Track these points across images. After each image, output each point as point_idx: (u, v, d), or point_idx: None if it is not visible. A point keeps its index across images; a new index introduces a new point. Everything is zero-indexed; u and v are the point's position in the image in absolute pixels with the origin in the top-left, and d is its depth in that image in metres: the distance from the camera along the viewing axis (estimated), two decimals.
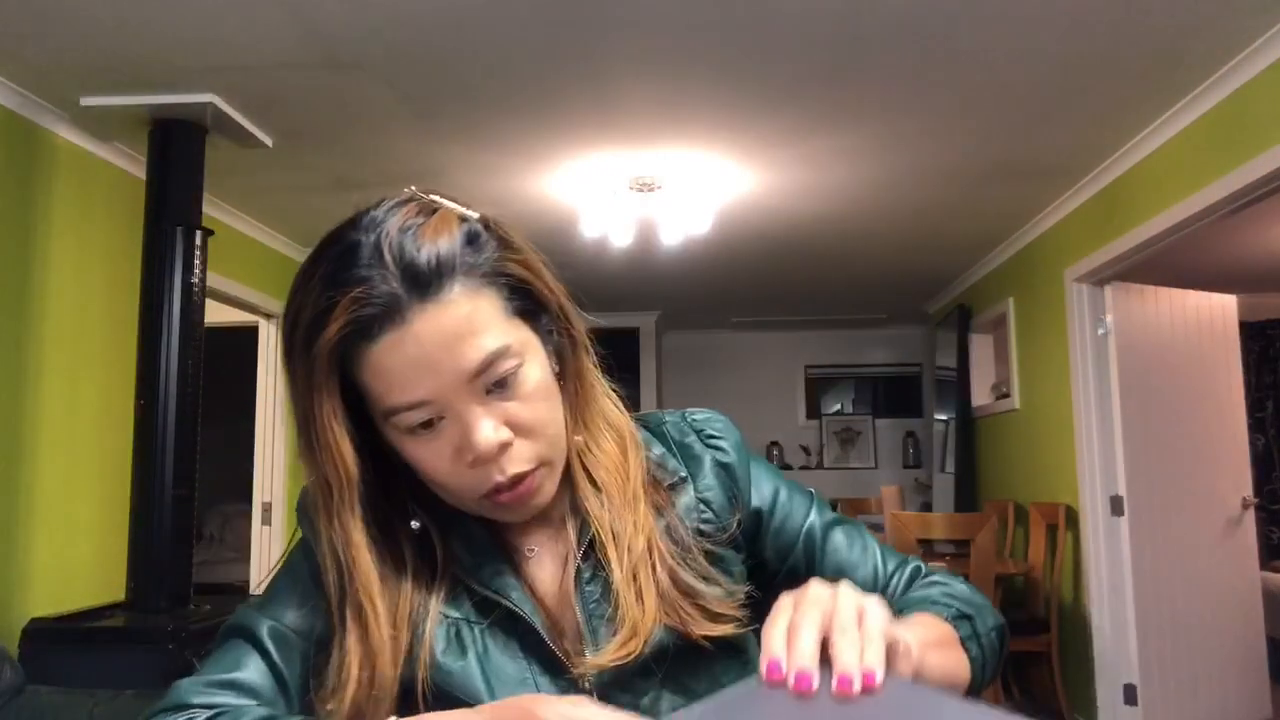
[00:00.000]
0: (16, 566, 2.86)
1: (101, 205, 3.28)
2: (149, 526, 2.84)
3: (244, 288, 4.31)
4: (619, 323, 6.85)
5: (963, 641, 0.77)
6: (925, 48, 2.72)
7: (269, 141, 3.25)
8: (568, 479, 0.80)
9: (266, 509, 4.52)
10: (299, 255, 4.86)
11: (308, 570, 0.78)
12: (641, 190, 3.84)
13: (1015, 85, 2.97)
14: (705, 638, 0.76)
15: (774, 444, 7.57)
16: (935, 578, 0.86)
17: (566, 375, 0.79)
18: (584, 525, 0.79)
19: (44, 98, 2.93)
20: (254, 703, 0.72)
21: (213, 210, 3.80)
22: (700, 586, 0.78)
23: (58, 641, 2.64)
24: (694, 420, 0.88)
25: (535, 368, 0.73)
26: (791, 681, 0.52)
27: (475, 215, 0.74)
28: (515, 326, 0.72)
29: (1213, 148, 3.05)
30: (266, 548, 4.49)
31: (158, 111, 2.97)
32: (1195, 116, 3.12)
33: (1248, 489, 4.29)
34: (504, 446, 0.71)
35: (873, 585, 0.85)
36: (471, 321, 0.69)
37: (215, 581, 6.05)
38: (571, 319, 0.79)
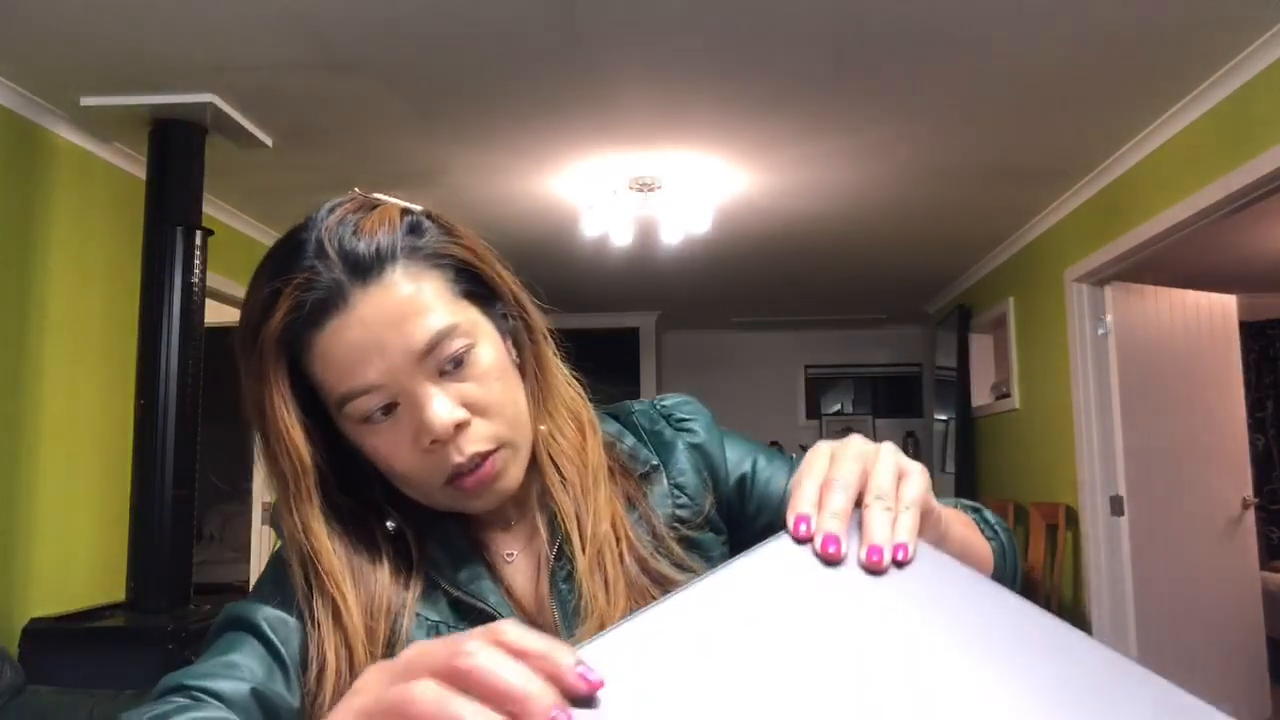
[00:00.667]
0: (16, 566, 2.86)
1: (101, 205, 3.28)
2: (149, 526, 2.84)
3: (244, 288, 4.30)
4: (619, 323, 6.85)
5: (984, 531, 0.80)
6: (926, 49, 2.72)
7: (269, 141, 3.25)
8: (536, 472, 0.79)
9: (266, 509, 4.52)
10: None
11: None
12: (641, 190, 3.84)
13: (1015, 85, 2.97)
14: None
15: (774, 444, 7.55)
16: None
17: (525, 363, 0.79)
18: (552, 526, 0.78)
19: (44, 98, 2.93)
20: (243, 685, 0.69)
21: (213, 210, 3.80)
22: (675, 575, 0.77)
23: (58, 641, 2.64)
24: (663, 406, 0.87)
25: (488, 349, 0.73)
26: (819, 544, 0.49)
27: (418, 208, 0.75)
28: (463, 308, 0.72)
29: (1213, 148, 3.05)
30: (266, 548, 4.49)
31: (158, 111, 2.97)
32: (1195, 116, 3.12)
33: (1248, 489, 4.29)
34: (460, 426, 0.70)
35: None
36: (415, 301, 0.70)
37: (215, 581, 6.04)
38: (526, 306, 0.79)
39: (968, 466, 5.78)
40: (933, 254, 5.30)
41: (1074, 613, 4.31)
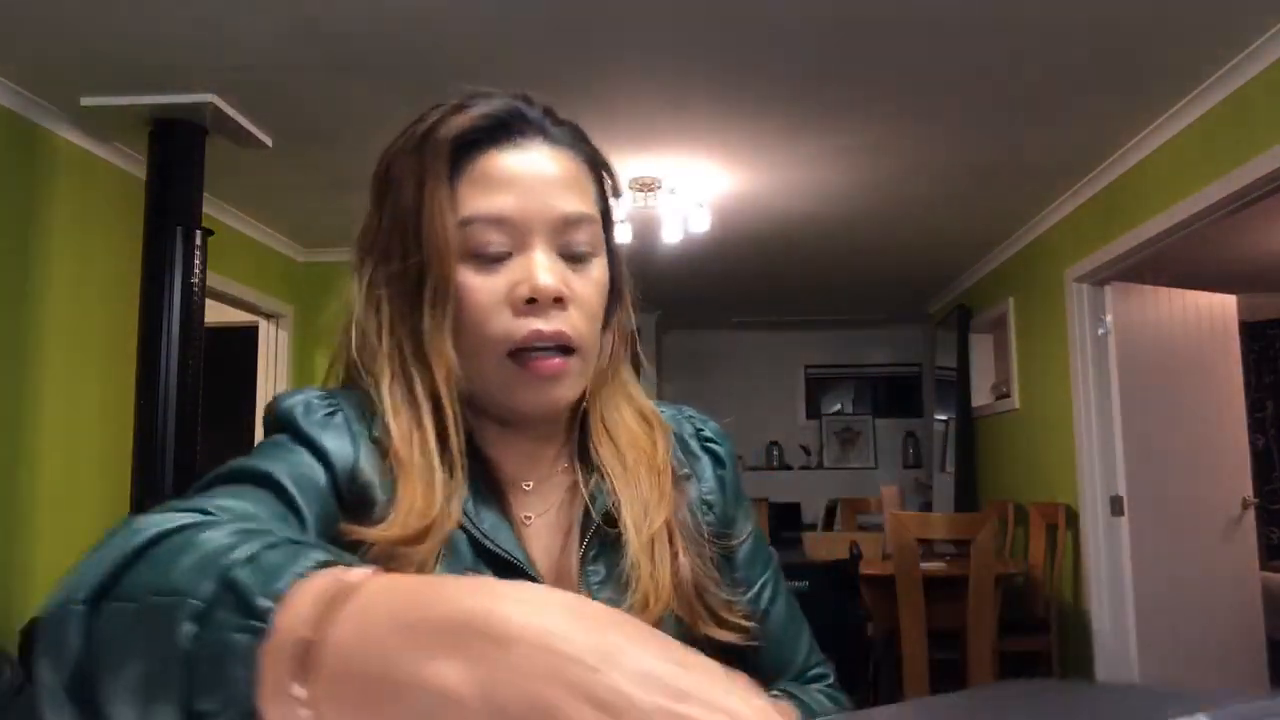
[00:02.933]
0: (16, 567, 2.86)
1: (101, 205, 3.28)
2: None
3: (244, 288, 4.31)
4: None
5: None
6: (926, 49, 2.72)
7: (269, 141, 3.25)
8: (584, 435, 0.77)
9: None
10: (299, 255, 4.86)
11: (308, 461, 0.67)
12: (641, 190, 3.84)
13: (1015, 85, 2.97)
14: (709, 639, 0.73)
15: (774, 444, 7.57)
16: (833, 694, 0.84)
17: (608, 324, 0.78)
18: (595, 499, 0.75)
19: (44, 98, 2.93)
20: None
21: (213, 210, 3.80)
22: (709, 584, 0.75)
23: None
24: (690, 417, 0.87)
25: (600, 268, 0.75)
26: None
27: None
28: (598, 223, 0.75)
29: (1213, 148, 3.05)
30: None
31: (158, 111, 2.97)
32: (1195, 117, 3.12)
33: (1248, 489, 4.29)
34: (559, 300, 0.70)
35: (795, 667, 0.85)
36: (578, 182, 0.73)
37: None
38: (623, 276, 0.81)
39: (968, 467, 5.78)
40: (933, 254, 5.30)
41: (1074, 613, 4.31)
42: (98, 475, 3.19)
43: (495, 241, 0.70)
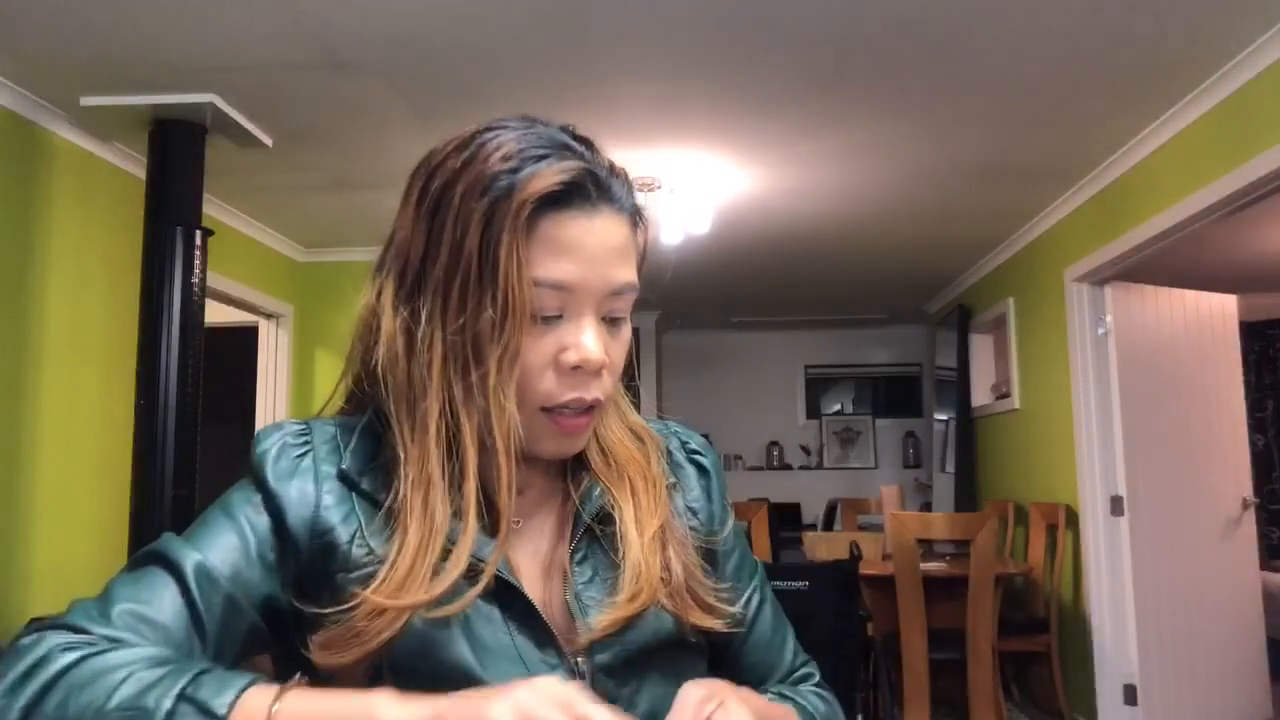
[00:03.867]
0: (16, 566, 2.86)
1: (101, 205, 3.28)
2: (149, 526, 2.84)
3: (244, 288, 4.31)
4: None
5: None
6: (925, 48, 2.72)
7: (269, 141, 3.25)
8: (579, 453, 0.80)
9: None
10: (299, 255, 4.86)
11: (263, 525, 0.72)
12: (641, 190, 3.84)
13: (1015, 85, 2.97)
14: (696, 629, 0.77)
15: (774, 444, 7.56)
16: (821, 693, 0.89)
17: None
18: (585, 502, 0.78)
19: (44, 98, 2.93)
20: (156, 642, 0.65)
21: (213, 210, 3.80)
22: (697, 574, 0.79)
23: None
24: (675, 430, 0.90)
25: (627, 329, 0.78)
26: None
27: None
28: (637, 290, 0.77)
29: (1213, 148, 3.05)
30: None
31: (158, 111, 2.97)
32: (1195, 116, 3.12)
33: (1248, 489, 4.29)
34: (602, 366, 0.73)
35: (782, 669, 0.89)
36: (630, 250, 0.75)
37: None
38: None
39: (967, 467, 5.78)
40: (933, 254, 5.30)
41: (1074, 613, 4.31)
42: (98, 475, 3.19)
43: (553, 306, 0.71)
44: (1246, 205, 3.03)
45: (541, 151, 0.72)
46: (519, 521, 0.78)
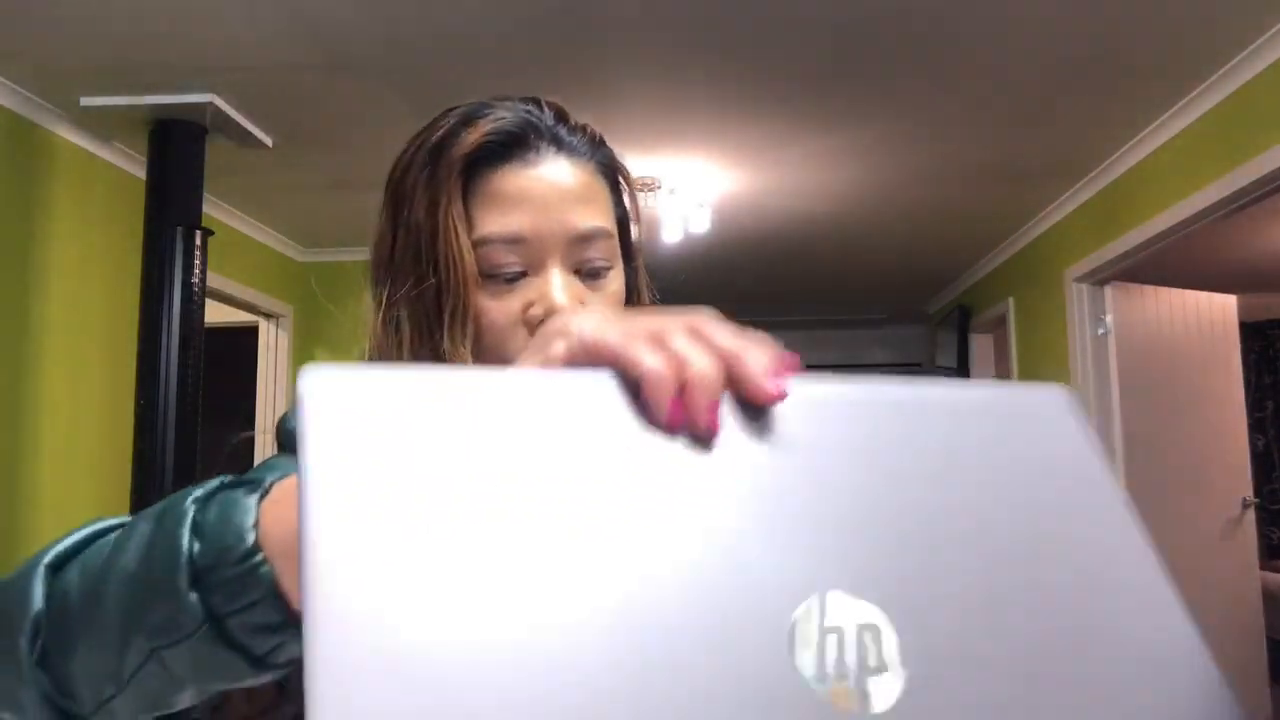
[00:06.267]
0: (16, 566, 2.86)
1: (101, 205, 3.28)
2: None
3: (244, 288, 4.31)
4: None
5: None
6: (925, 48, 2.72)
7: (269, 141, 3.25)
8: None
9: None
10: (299, 255, 4.86)
11: None
12: (641, 190, 3.84)
13: (1015, 85, 2.97)
14: None
15: None
16: None
17: None
18: None
19: (44, 98, 2.93)
20: None
21: (213, 210, 3.80)
22: None
23: None
24: None
25: (616, 281, 0.73)
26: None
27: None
28: (614, 237, 0.74)
29: (1213, 147, 3.05)
30: None
31: (158, 111, 2.97)
32: (1196, 116, 3.12)
33: (1248, 489, 4.29)
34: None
35: None
36: (591, 192, 0.72)
37: None
38: (644, 282, 0.81)
39: None
40: (933, 254, 5.30)
41: None
42: (98, 475, 3.19)
43: (509, 262, 0.69)
44: (1246, 205, 3.03)
45: (485, 111, 0.72)
46: None
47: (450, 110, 0.74)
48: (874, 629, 0.32)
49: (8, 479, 2.85)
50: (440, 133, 0.71)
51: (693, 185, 3.86)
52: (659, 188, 3.84)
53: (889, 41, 2.68)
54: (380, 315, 0.72)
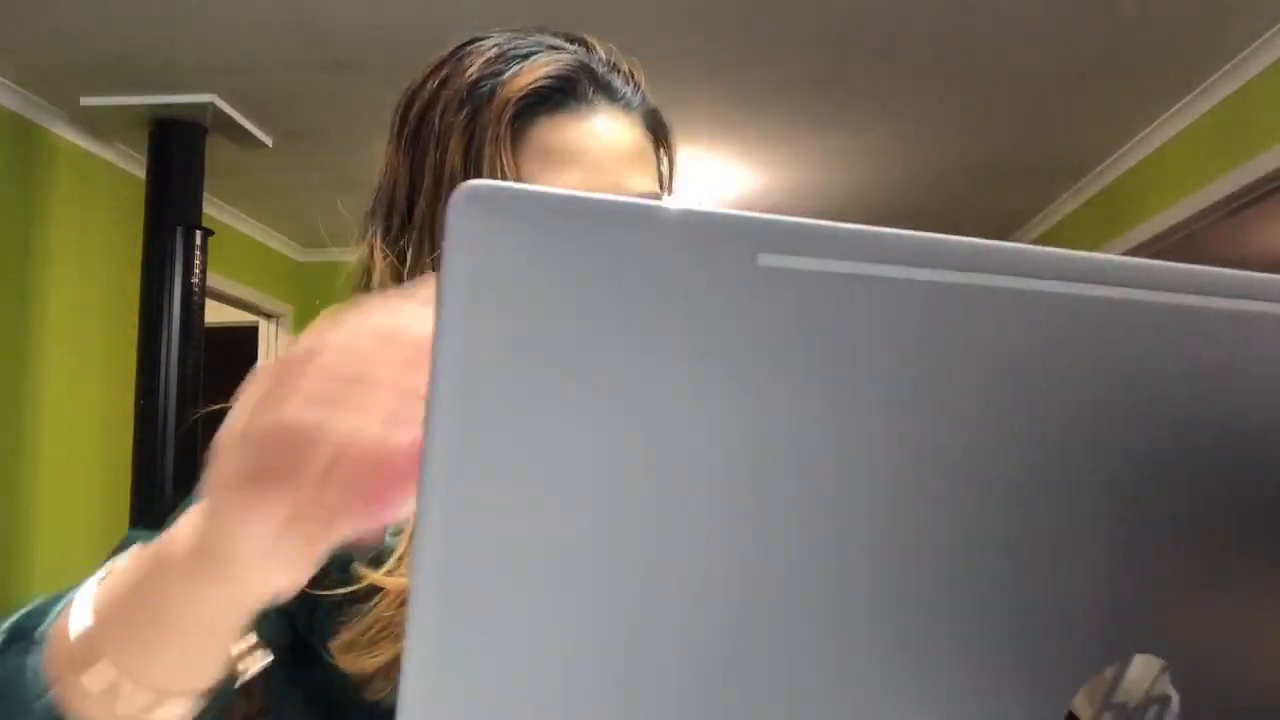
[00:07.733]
0: (16, 565, 2.86)
1: (101, 205, 3.28)
2: (149, 527, 2.84)
3: (244, 288, 4.31)
4: None
5: None
6: (926, 48, 2.72)
7: (269, 141, 3.25)
8: None
9: None
10: (299, 255, 4.86)
11: None
12: None
13: (1016, 85, 2.97)
14: None
15: None
16: None
17: None
18: None
19: (44, 98, 2.93)
20: None
21: (213, 210, 3.80)
22: None
23: None
24: None
25: None
26: None
27: None
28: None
29: (1214, 147, 3.05)
30: None
31: (158, 111, 2.97)
32: (1197, 116, 3.11)
33: None
34: None
35: None
36: (646, 153, 0.66)
37: None
38: None
39: None
40: None
41: None
42: (98, 475, 3.19)
43: None
44: (1247, 205, 3.03)
45: (527, 50, 0.64)
46: None
47: (476, 41, 0.67)
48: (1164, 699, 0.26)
49: (8, 479, 2.84)
50: (475, 68, 0.64)
51: (692, 185, 3.87)
52: None
53: (890, 41, 2.68)
54: (387, 265, 0.65)
